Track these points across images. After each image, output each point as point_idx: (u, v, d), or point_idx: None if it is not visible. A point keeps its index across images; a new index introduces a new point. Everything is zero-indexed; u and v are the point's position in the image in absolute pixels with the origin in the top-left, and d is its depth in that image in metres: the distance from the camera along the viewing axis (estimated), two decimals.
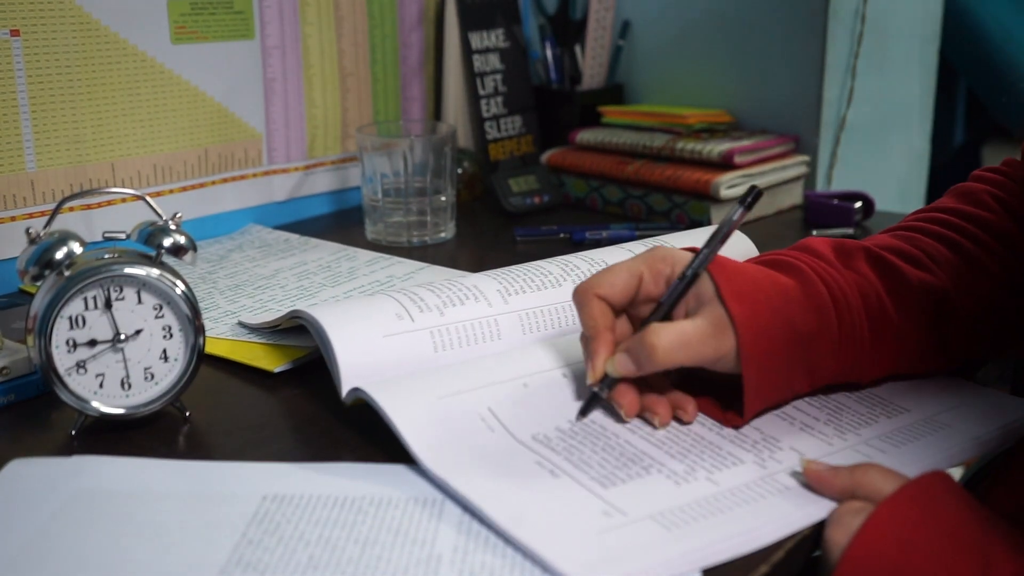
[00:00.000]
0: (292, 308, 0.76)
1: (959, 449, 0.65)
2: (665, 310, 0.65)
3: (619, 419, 0.65)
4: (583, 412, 0.65)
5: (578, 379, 0.68)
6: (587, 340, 0.65)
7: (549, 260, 0.81)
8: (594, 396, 0.65)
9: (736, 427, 0.65)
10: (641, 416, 0.65)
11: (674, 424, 0.65)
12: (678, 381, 0.68)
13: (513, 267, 0.80)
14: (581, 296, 0.66)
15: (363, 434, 0.66)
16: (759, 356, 0.63)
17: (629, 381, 0.65)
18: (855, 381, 0.70)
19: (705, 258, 0.65)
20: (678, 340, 0.62)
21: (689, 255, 0.67)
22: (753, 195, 0.67)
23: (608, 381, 0.65)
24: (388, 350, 0.68)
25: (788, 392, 0.67)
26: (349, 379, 0.67)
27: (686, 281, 0.65)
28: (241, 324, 0.84)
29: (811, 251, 0.71)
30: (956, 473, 0.63)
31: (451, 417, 0.62)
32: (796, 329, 0.64)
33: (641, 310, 0.67)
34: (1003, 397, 0.71)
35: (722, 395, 0.67)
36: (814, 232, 1.11)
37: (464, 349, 0.71)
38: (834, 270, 0.69)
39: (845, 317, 0.67)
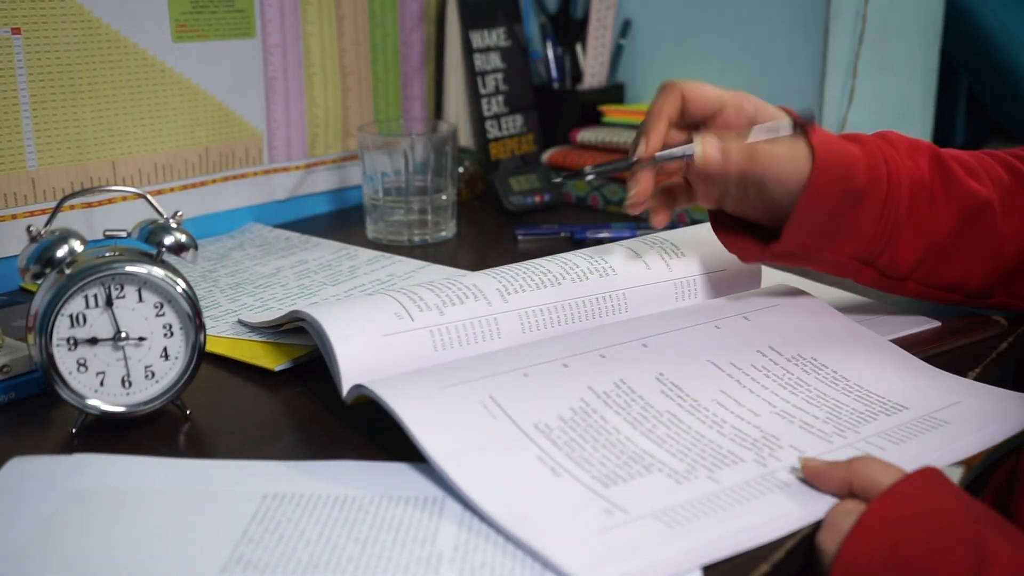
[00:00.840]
0: (292, 308, 0.75)
1: (959, 446, 0.64)
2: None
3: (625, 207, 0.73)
4: (600, 168, 0.73)
5: (578, 369, 0.68)
6: (645, 122, 0.73)
7: (548, 258, 0.81)
8: (625, 165, 0.72)
9: (768, 259, 0.76)
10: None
11: (674, 422, 0.65)
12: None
13: (512, 265, 0.79)
14: (668, 85, 0.74)
15: (364, 432, 0.67)
16: (819, 190, 0.71)
17: (652, 180, 0.73)
18: (878, 265, 0.76)
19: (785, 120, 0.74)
20: (769, 142, 0.71)
21: (772, 107, 0.75)
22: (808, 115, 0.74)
23: (644, 163, 0.72)
24: (388, 349, 0.68)
25: (822, 244, 0.74)
26: (350, 378, 0.66)
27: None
28: (241, 322, 0.84)
29: (884, 138, 0.78)
30: (956, 472, 0.63)
31: (453, 405, 0.62)
32: (852, 185, 0.72)
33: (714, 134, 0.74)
34: (1002, 393, 0.71)
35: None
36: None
37: (464, 348, 0.71)
38: (897, 155, 0.75)
39: (892, 195, 0.73)
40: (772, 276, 0.92)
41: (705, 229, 0.87)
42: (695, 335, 0.74)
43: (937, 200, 0.75)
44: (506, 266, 0.79)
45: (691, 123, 0.75)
